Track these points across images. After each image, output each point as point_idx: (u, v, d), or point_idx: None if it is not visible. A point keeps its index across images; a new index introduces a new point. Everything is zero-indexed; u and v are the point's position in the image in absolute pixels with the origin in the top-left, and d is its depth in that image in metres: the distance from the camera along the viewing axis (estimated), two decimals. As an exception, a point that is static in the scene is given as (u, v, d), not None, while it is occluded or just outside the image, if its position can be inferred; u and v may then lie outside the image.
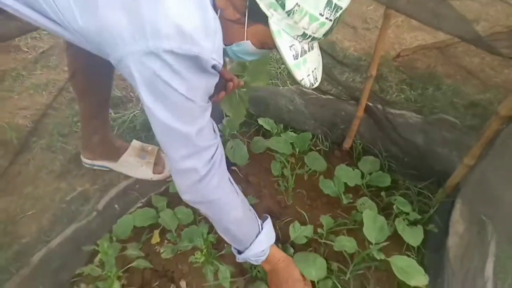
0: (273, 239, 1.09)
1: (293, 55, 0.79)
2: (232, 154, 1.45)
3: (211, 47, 0.73)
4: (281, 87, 1.77)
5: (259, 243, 1.04)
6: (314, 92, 1.65)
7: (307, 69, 0.83)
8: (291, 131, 1.62)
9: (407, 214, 1.30)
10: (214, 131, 0.90)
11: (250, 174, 1.49)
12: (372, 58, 1.21)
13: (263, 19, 0.74)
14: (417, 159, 1.44)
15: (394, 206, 1.32)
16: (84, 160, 1.43)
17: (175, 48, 0.70)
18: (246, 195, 1.36)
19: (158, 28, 0.68)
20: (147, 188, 1.41)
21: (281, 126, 1.63)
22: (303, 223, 1.29)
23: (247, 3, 0.74)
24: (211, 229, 1.21)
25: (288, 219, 1.34)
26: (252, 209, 1.08)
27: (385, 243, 1.13)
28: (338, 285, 1.10)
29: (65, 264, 1.14)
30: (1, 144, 1.55)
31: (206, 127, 0.85)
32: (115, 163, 1.41)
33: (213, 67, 0.76)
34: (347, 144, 1.59)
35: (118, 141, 1.45)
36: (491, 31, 0.91)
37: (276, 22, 0.75)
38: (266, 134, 1.63)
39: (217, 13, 0.76)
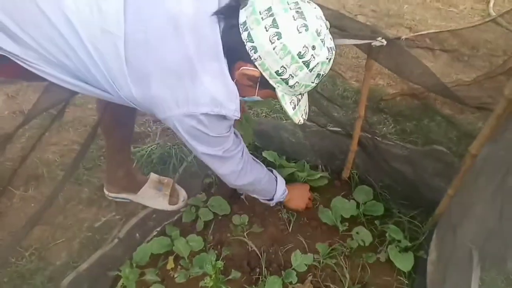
0: (284, 183, 1.47)
1: (292, 107, 1.05)
2: None
3: (234, 107, 1.00)
4: (284, 121, 1.93)
5: (280, 187, 1.44)
6: (315, 125, 1.80)
7: (301, 111, 1.10)
8: (293, 162, 1.76)
9: (399, 241, 1.42)
10: (237, 136, 1.21)
11: (256, 204, 1.63)
12: (360, 100, 1.36)
13: (271, 87, 1.00)
14: (408, 189, 1.56)
15: (387, 234, 1.44)
16: (107, 193, 1.61)
17: (209, 111, 0.97)
18: (252, 224, 1.52)
19: (197, 98, 0.95)
20: (162, 217, 1.57)
21: (284, 158, 1.78)
22: (304, 249, 1.43)
23: (260, 79, 0.98)
24: (219, 256, 1.35)
25: (289, 247, 1.47)
26: (264, 167, 1.41)
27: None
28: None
29: (92, 288, 1.30)
30: (33, 178, 1.74)
31: (231, 143, 1.15)
32: (135, 195, 1.58)
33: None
34: (345, 174, 1.73)
35: (138, 175, 1.62)
36: (456, 83, 1.04)
37: (281, 90, 1.00)
38: (270, 165, 1.78)
39: (233, 79, 1.01)
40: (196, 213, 1.52)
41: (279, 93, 1.01)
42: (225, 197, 1.60)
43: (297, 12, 0.90)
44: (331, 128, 1.76)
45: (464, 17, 3.72)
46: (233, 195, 1.65)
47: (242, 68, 0.97)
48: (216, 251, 1.38)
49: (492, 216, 1.20)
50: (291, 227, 1.54)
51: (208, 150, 1.12)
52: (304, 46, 0.91)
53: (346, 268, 1.36)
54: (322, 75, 0.99)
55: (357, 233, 1.45)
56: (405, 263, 1.36)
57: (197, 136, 1.05)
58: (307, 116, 1.13)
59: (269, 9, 0.90)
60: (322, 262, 1.37)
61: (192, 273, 1.30)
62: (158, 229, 1.50)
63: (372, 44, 1.04)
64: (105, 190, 1.61)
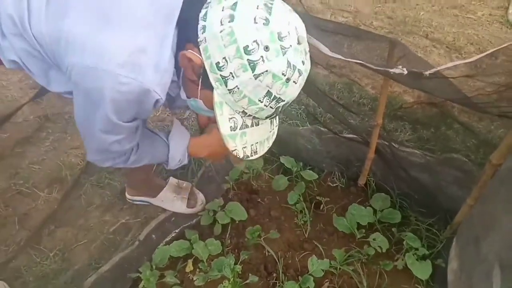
0: (185, 142, 1.17)
1: (231, 126, 0.85)
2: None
3: (157, 80, 0.82)
4: (300, 127, 1.95)
5: (174, 156, 1.16)
6: (331, 132, 1.81)
7: (245, 141, 0.89)
8: (309, 169, 1.78)
9: (417, 249, 1.42)
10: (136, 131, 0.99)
11: (272, 209, 1.65)
12: (378, 108, 1.37)
13: (212, 88, 0.82)
14: (426, 196, 1.56)
15: (404, 242, 1.44)
16: (128, 196, 1.65)
17: (123, 74, 0.79)
18: (269, 229, 1.53)
19: (116, 51, 0.79)
20: (180, 220, 1.60)
21: (301, 164, 1.80)
22: (320, 255, 1.44)
23: (202, 72, 0.82)
24: (237, 260, 1.37)
25: (306, 253, 1.48)
26: (153, 133, 1.16)
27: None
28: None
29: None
30: (57, 181, 1.80)
31: (125, 139, 0.96)
32: (155, 198, 1.62)
33: (155, 101, 0.86)
34: (361, 181, 1.73)
35: (157, 179, 1.66)
36: (477, 93, 1.05)
37: (221, 94, 0.82)
38: (287, 172, 1.80)
39: (179, 70, 0.88)
40: (214, 217, 1.55)
41: (217, 98, 0.81)
42: (242, 202, 1.62)
43: (265, 5, 0.77)
44: (348, 135, 1.77)
45: (482, 23, 3.68)
46: (250, 200, 1.68)
47: (188, 50, 0.82)
48: (234, 255, 1.40)
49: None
50: (307, 233, 1.55)
51: (95, 131, 0.91)
52: (255, 42, 0.74)
53: (363, 275, 1.37)
54: (276, 97, 0.79)
55: (374, 239, 1.45)
56: (423, 271, 1.36)
57: (94, 103, 0.84)
58: (255, 155, 0.93)
59: None
60: (339, 268, 1.38)
61: (210, 276, 1.32)
62: (176, 231, 1.53)
63: (391, 71, 1.02)
64: (126, 194, 1.65)
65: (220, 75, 0.78)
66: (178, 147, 1.16)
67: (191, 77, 0.85)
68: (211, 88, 0.82)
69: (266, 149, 0.96)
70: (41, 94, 1.29)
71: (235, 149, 0.88)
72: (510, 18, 3.49)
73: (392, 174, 1.65)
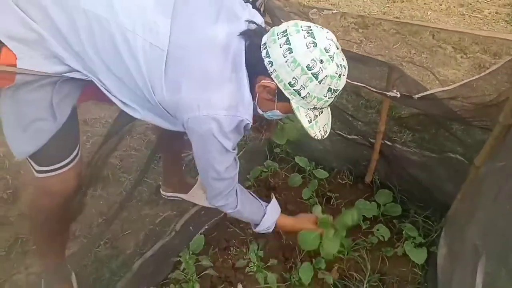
0: (277, 215, 1.47)
1: (308, 120, 1.13)
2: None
3: (247, 113, 1.12)
4: (313, 130, 2.17)
5: (266, 221, 1.44)
6: (340, 135, 2.03)
7: (319, 127, 1.17)
8: (321, 168, 2.01)
9: (414, 238, 1.64)
10: (235, 160, 1.27)
11: (288, 203, 1.89)
12: (380, 118, 1.59)
13: (287, 100, 1.11)
14: (424, 192, 1.78)
15: (404, 232, 1.67)
16: (163, 192, 1.91)
17: (225, 114, 1.08)
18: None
19: (217, 101, 1.07)
20: (213, 213, 1.84)
21: (313, 163, 2.03)
22: (331, 243, 1.67)
23: (276, 91, 1.10)
24: (259, 247, 1.63)
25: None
26: (256, 199, 1.46)
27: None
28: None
29: (157, 270, 1.60)
30: (100, 180, 2.06)
31: (232, 162, 1.23)
32: (186, 195, 1.88)
33: (245, 126, 1.14)
34: (368, 179, 1.96)
35: (188, 178, 1.92)
36: (460, 108, 1.26)
37: (295, 102, 1.10)
38: (301, 170, 2.03)
39: (255, 95, 1.15)
40: None
41: (294, 105, 1.10)
42: (262, 198, 1.86)
43: (308, 32, 1.04)
44: (354, 137, 1.99)
45: (488, 22, 3.80)
46: (268, 195, 1.92)
47: (262, 81, 1.09)
48: (256, 243, 1.65)
49: (494, 219, 1.41)
50: (319, 224, 1.79)
51: (213, 162, 1.18)
52: (313, 60, 1.02)
53: (367, 260, 1.60)
54: (334, 90, 1.08)
55: (377, 230, 1.68)
56: (419, 256, 1.59)
57: (208, 142, 1.11)
58: (326, 134, 1.19)
59: (285, 31, 1.06)
60: (347, 254, 1.62)
61: (239, 259, 1.58)
62: (209, 223, 1.79)
63: (388, 94, 1.25)
64: (161, 191, 1.91)
65: (293, 89, 1.07)
66: (272, 217, 1.46)
67: (266, 97, 1.14)
68: (285, 100, 1.11)
69: (330, 127, 1.23)
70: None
71: (315, 134, 1.15)
72: (516, 16, 3.60)
73: (394, 172, 1.87)
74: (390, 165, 1.88)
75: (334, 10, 1.47)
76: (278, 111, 1.17)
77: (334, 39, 1.08)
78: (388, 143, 1.85)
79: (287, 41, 1.04)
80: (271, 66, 1.06)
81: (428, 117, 1.64)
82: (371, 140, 1.86)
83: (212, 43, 1.08)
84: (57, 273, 1.52)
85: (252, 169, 1.99)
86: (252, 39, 1.11)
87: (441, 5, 4.05)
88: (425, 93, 1.18)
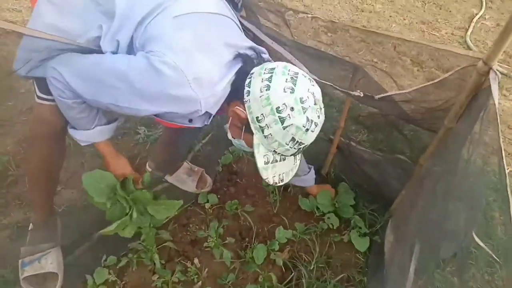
0: (100, 139, 1.32)
1: (265, 161, 1.12)
2: None
3: (206, 99, 1.09)
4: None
5: (94, 132, 1.29)
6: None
7: (274, 172, 1.15)
8: (282, 157, 2.12)
9: (360, 228, 1.80)
10: None
11: (248, 188, 1.98)
12: (341, 115, 1.72)
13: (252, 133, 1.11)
14: (372, 187, 1.95)
15: (352, 221, 1.83)
16: (148, 168, 1.92)
17: (189, 78, 1.05)
18: (245, 204, 1.86)
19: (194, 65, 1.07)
20: (190, 197, 1.89)
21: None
22: (285, 226, 1.79)
23: (246, 122, 1.11)
24: (219, 225, 1.71)
25: (274, 224, 1.83)
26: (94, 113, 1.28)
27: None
28: (304, 272, 1.60)
29: (118, 240, 1.62)
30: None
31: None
32: (170, 176, 1.91)
33: (195, 111, 1.11)
34: (324, 171, 2.10)
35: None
36: (412, 111, 1.41)
37: (258, 138, 1.10)
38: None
39: (227, 114, 1.18)
40: (207, 196, 1.88)
41: (256, 141, 1.09)
42: (224, 181, 1.95)
43: (292, 78, 1.07)
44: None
45: (444, 41, 4.13)
46: (230, 179, 2.01)
47: (236, 107, 1.12)
48: (217, 221, 1.73)
49: (429, 213, 1.60)
50: (276, 209, 1.90)
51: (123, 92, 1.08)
52: (284, 104, 1.03)
53: (316, 243, 1.74)
54: (298, 142, 1.08)
55: (328, 218, 1.83)
56: (362, 245, 1.75)
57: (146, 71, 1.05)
58: (282, 182, 1.18)
59: (273, 68, 1.09)
60: (299, 237, 1.75)
61: (197, 235, 1.65)
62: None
63: (352, 93, 1.37)
64: (147, 166, 1.92)
65: (259, 125, 1.07)
66: (95, 136, 1.31)
67: (236, 124, 1.16)
68: (251, 133, 1.11)
69: (290, 177, 1.21)
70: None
71: (267, 178, 1.14)
72: (468, 40, 3.94)
73: (348, 167, 2.03)
74: (346, 160, 2.03)
75: (309, 14, 1.56)
76: (244, 141, 1.18)
77: (318, 94, 1.10)
78: (346, 140, 2.00)
79: (270, 79, 1.06)
80: (247, 96, 1.08)
81: (384, 119, 1.80)
82: (331, 136, 2.00)
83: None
84: (44, 229, 1.53)
85: (222, 155, 2.08)
86: (246, 65, 1.15)
87: (404, 19, 4.32)
88: (385, 94, 1.31)
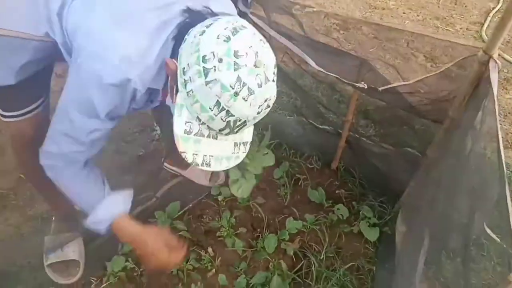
0: (118, 210, 1.13)
1: (186, 129, 0.90)
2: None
3: (139, 72, 0.94)
4: (288, 117, 2.33)
5: (99, 211, 1.11)
6: (312, 124, 2.20)
7: (197, 149, 0.92)
8: (292, 152, 2.17)
9: (369, 218, 1.84)
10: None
11: (261, 182, 2.04)
12: (349, 109, 1.76)
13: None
14: (382, 180, 1.98)
15: (361, 212, 1.86)
16: (165, 164, 2.00)
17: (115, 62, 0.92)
18: (256, 196, 1.92)
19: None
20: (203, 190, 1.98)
21: (285, 146, 2.19)
22: (295, 218, 1.84)
23: (176, 79, 0.91)
24: (231, 216, 1.78)
25: (285, 216, 1.88)
26: (102, 181, 1.18)
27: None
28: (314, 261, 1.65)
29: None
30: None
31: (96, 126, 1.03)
32: (185, 171, 1.99)
33: (134, 91, 0.97)
34: (334, 165, 2.14)
35: None
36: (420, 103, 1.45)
37: (182, 97, 0.89)
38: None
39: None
40: (220, 189, 1.94)
41: (178, 99, 0.89)
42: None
43: (234, 29, 0.86)
44: (325, 127, 2.16)
45: (459, 37, 4.09)
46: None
47: (171, 58, 0.93)
48: (229, 212, 1.80)
49: (436, 205, 1.62)
50: (287, 202, 1.96)
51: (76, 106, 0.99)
52: (212, 52, 0.83)
53: (326, 234, 1.78)
54: (225, 108, 0.84)
55: (338, 209, 1.87)
56: (372, 235, 1.79)
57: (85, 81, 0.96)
58: (206, 167, 0.95)
59: (220, 18, 0.91)
60: (309, 227, 1.79)
61: (211, 225, 1.73)
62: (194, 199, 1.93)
63: (356, 85, 1.42)
64: (165, 163, 2.00)
65: (184, 79, 0.87)
66: (109, 209, 1.12)
67: (171, 83, 0.95)
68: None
69: (223, 167, 0.98)
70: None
71: (184, 152, 0.91)
72: (483, 34, 3.90)
73: (357, 161, 2.06)
74: (354, 154, 2.06)
75: (314, 8, 1.59)
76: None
77: (265, 58, 0.87)
78: (354, 135, 2.04)
79: (209, 25, 0.88)
80: (182, 43, 0.90)
81: (391, 112, 1.83)
82: (339, 131, 2.04)
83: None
84: (65, 221, 1.62)
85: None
86: (193, 19, 0.95)
87: (418, 16, 4.30)
88: (388, 86, 1.35)
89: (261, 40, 0.90)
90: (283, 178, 2.04)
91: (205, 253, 1.68)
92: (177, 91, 0.91)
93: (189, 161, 0.92)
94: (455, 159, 1.54)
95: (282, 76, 2.21)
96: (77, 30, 0.97)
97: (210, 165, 0.95)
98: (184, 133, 0.90)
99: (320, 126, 2.18)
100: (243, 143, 1.01)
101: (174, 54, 0.94)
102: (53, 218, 1.68)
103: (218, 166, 0.97)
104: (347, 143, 2.00)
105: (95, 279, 1.57)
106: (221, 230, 1.69)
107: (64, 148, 1.07)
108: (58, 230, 1.64)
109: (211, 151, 0.94)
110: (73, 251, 1.59)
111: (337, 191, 2.02)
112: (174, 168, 2.02)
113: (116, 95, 0.97)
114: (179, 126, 0.90)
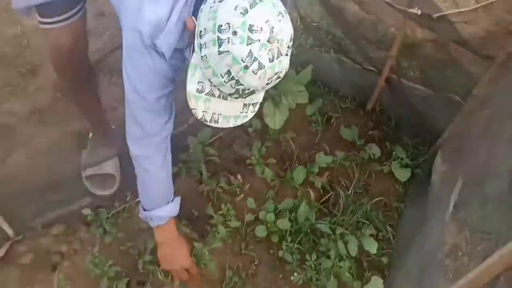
0: (174, 213, 1.30)
1: (198, 88, 0.94)
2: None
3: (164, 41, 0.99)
4: (324, 54, 2.24)
5: (159, 212, 1.26)
6: (350, 61, 2.11)
7: (207, 107, 0.97)
8: (327, 90, 2.11)
9: (402, 159, 1.80)
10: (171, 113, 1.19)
11: (292, 117, 2.00)
12: (393, 43, 1.66)
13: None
14: (419, 123, 1.91)
15: (394, 153, 1.83)
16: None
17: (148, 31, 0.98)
18: (287, 130, 1.90)
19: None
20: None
21: (319, 83, 2.12)
22: (326, 153, 1.83)
23: (194, 38, 0.94)
24: (263, 144, 1.78)
25: (315, 151, 1.87)
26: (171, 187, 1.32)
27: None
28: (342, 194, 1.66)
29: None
30: (117, 70, 2.14)
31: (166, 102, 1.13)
32: None
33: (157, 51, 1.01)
34: (369, 106, 2.07)
35: None
36: (475, 36, 1.33)
37: (197, 59, 0.93)
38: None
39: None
40: (251, 120, 1.91)
41: (193, 59, 0.94)
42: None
43: (254, 1, 0.86)
44: (364, 66, 2.07)
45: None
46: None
47: (192, 16, 0.96)
48: (260, 141, 1.82)
49: (477, 148, 1.56)
50: (318, 138, 1.94)
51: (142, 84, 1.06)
52: (227, 23, 0.84)
53: (356, 171, 1.77)
54: (236, 79, 0.88)
55: (370, 148, 1.84)
56: (403, 175, 1.76)
57: (133, 61, 1.04)
58: (213, 124, 1.00)
59: None
60: (339, 163, 1.79)
61: (241, 154, 1.75)
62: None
63: (409, 10, 1.31)
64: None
65: (200, 42, 0.90)
66: (165, 213, 1.27)
67: (191, 40, 0.98)
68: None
69: (230, 125, 1.04)
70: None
71: (195, 109, 0.96)
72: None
73: (395, 102, 1.99)
74: (393, 95, 1.98)
75: None
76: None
77: (281, 33, 0.87)
78: (396, 77, 1.95)
79: None
80: (203, 4, 0.92)
81: (438, 52, 1.72)
82: (380, 68, 1.94)
83: None
84: (102, 139, 1.69)
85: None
86: None
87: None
88: (444, 12, 1.24)
89: (280, 13, 0.89)
90: (315, 115, 2.00)
91: (235, 179, 1.71)
92: (193, 50, 0.95)
93: (199, 117, 0.98)
94: (504, 100, 1.46)
95: (326, 9, 2.09)
96: (119, 11, 1.05)
97: (218, 122, 1.01)
98: (196, 91, 0.94)
99: (359, 66, 2.09)
100: (252, 103, 1.04)
101: (196, 11, 0.95)
102: (90, 135, 1.73)
103: (226, 124, 1.03)
104: (386, 82, 1.91)
105: (130, 193, 1.65)
106: (251, 158, 1.70)
107: (146, 127, 1.14)
108: (95, 147, 1.70)
109: (220, 110, 0.99)
110: (109, 166, 1.66)
111: (370, 132, 1.98)
112: None
113: (155, 57, 1.02)
114: (192, 84, 0.94)
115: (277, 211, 1.60)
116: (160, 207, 1.26)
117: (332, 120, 2.02)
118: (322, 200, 1.68)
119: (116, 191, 1.64)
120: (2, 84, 1.96)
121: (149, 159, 1.20)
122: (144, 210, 1.29)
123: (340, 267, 1.43)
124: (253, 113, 1.07)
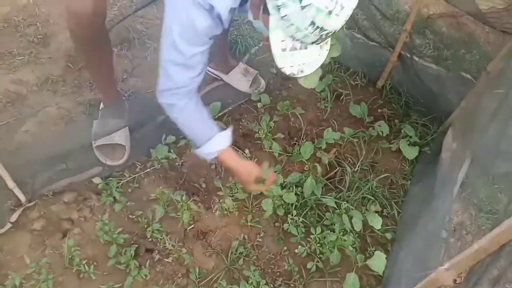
0: (223, 146, 1.33)
1: (282, 48, 0.98)
2: None
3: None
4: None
5: (209, 145, 1.31)
6: (362, 38, 2.07)
7: (292, 61, 1.01)
8: (337, 66, 2.09)
9: (410, 137, 1.80)
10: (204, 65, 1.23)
11: (300, 93, 2.00)
12: (409, 16, 1.63)
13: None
14: (430, 101, 1.89)
15: (402, 131, 1.82)
16: (208, 68, 1.95)
17: None
18: (295, 106, 1.90)
19: None
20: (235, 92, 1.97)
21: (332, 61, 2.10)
22: (334, 130, 1.83)
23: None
24: (271, 118, 1.78)
25: (323, 128, 1.87)
26: (210, 119, 1.35)
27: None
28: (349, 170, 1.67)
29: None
30: (126, 41, 2.14)
31: (201, 56, 1.17)
32: (226, 75, 1.97)
33: (218, 15, 1.08)
34: (380, 83, 2.05)
35: (231, 60, 1.97)
36: (490, 10, 1.30)
37: (275, 20, 0.95)
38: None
39: None
40: (260, 95, 1.93)
41: (272, 23, 0.95)
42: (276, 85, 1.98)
43: None
44: (376, 42, 2.03)
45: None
46: (283, 83, 2.03)
47: None
48: (268, 115, 1.82)
49: (487, 128, 1.54)
50: (326, 115, 1.93)
51: (179, 38, 1.09)
52: None
53: (363, 148, 1.77)
54: (320, 27, 0.91)
55: (378, 125, 1.83)
56: (411, 153, 1.76)
57: (178, 17, 1.07)
58: (302, 74, 1.05)
59: None
60: (346, 140, 1.78)
61: (249, 128, 1.75)
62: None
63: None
64: (208, 66, 1.95)
65: (276, 3, 0.92)
66: (217, 145, 1.32)
67: (256, 2, 1.02)
68: (268, 14, 0.97)
69: (313, 70, 1.06)
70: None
71: (283, 68, 1.01)
72: None
73: (406, 79, 1.96)
74: (404, 72, 1.95)
75: None
76: (262, 23, 1.04)
77: None
78: (408, 54, 1.91)
79: None
80: None
81: (453, 35, 1.67)
82: (393, 43, 1.90)
83: None
84: (113, 108, 1.70)
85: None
86: None
87: None
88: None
89: None
90: (324, 92, 1.99)
91: (242, 153, 1.73)
92: (265, 13, 0.97)
93: (287, 73, 1.03)
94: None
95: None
96: None
97: (303, 71, 1.04)
98: (281, 51, 0.98)
99: (372, 42, 2.05)
100: (326, 42, 1.05)
101: None
102: (101, 105, 1.75)
103: (309, 70, 1.06)
104: (399, 59, 1.88)
105: (140, 163, 1.67)
106: (259, 133, 1.71)
107: (177, 78, 1.19)
108: (105, 117, 1.72)
109: (303, 59, 1.02)
110: (119, 136, 1.67)
111: (379, 110, 1.97)
112: (216, 72, 2.01)
113: (202, 14, 1.06)
114: (276, 46, 0.97)
115: (284, 185, 1.62)
116: (205, 144, 1.32)
117: (342, 97, 2.01)
118: (328, 175, 1.69)
119: (125, 161, 1.67)
120: (14, 54, 1.97)
121: (175, 107, 1.26)
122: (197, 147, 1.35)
123: (344, 240, 1.45)
124: (327, 51, 1.09)
